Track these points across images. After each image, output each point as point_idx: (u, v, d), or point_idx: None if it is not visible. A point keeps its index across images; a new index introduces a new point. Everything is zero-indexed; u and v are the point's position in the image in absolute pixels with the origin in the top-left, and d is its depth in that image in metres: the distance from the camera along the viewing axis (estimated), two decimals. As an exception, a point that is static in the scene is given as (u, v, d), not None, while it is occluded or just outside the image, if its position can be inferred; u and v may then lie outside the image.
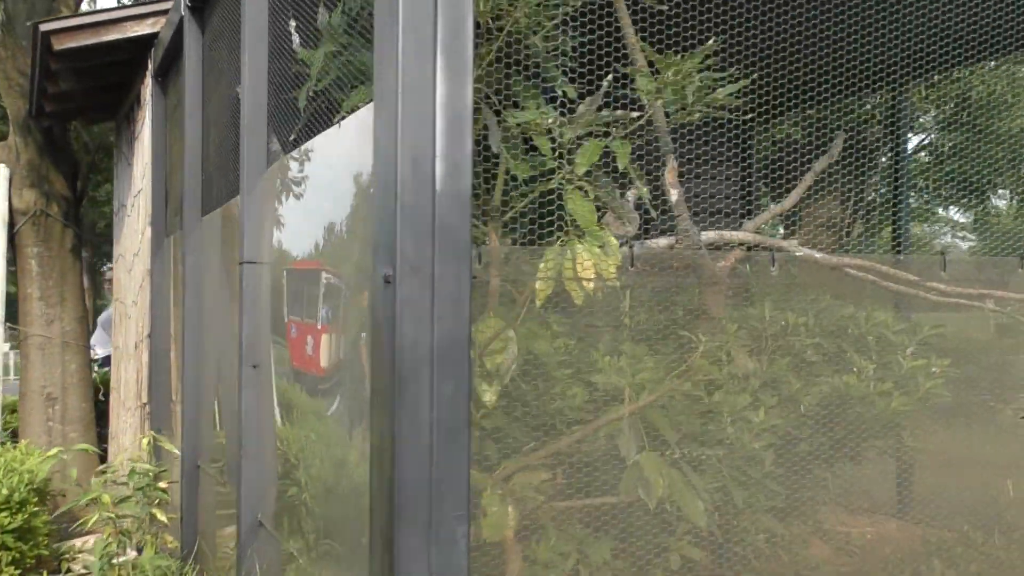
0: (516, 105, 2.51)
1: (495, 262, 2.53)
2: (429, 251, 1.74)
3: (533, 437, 2.63)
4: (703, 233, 3.57)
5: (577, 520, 2.74)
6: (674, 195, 3.55)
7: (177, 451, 4.15)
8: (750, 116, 6.00)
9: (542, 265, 2.26)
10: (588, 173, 2.62)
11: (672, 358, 2.88)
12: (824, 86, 4.68)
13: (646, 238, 3.64)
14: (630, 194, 3.54)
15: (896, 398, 3.26)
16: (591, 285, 2.25)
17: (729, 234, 3.63)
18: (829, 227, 7.46)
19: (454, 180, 1.76)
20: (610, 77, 2.35)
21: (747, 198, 6.91)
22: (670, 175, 3.54)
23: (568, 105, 2.54)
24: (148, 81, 5.37)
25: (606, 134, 2.73)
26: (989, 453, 3.74)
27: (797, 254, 3.70)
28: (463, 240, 1.77)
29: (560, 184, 2.47)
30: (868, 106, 6.34)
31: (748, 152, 6.87)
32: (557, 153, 2.50)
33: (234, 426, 3.04)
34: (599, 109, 2.38)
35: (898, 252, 5.71)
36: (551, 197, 2.53)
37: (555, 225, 2.51)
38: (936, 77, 6.30)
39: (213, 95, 3.97)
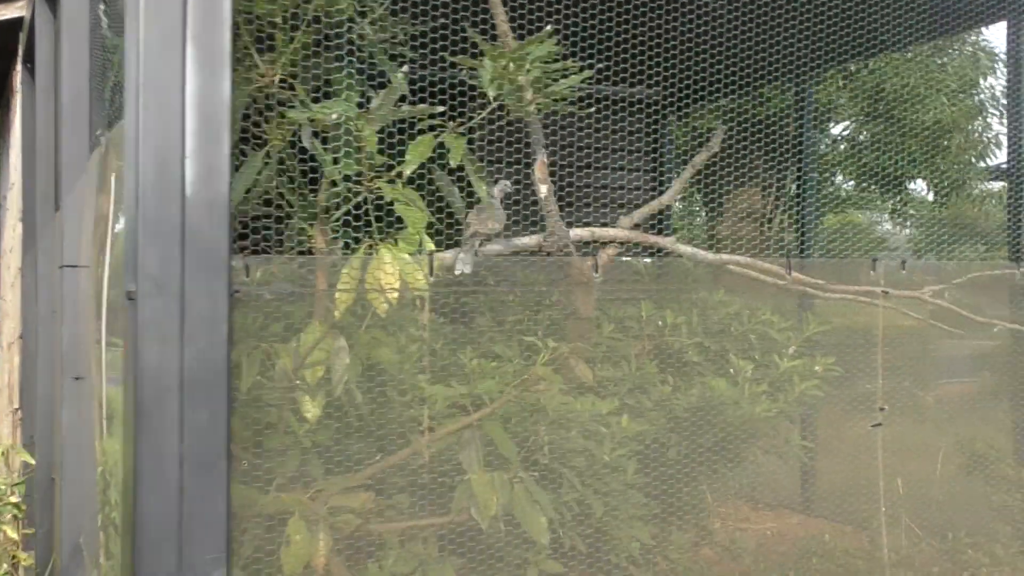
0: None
1: (321, 268, 2.36)
2: (177, 265, 1.56)
3: (367, 452, 2.46)
4: (574, 231, 3.42)
5: (421, 539, 2.59)
6: (543, 191, 3.39)
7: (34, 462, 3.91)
8: (660, 105, 5.91)
9: (344, 272, 2.08)
10: (424, 168, 2.46)
11: (523, 366, 2.72)
12: (731, 77, 4.58)
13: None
14: (496, 189, 3.38)
15: (763, 403, 3.14)
16: (395, 295, 2.08)
17: (602, 231, 3.49)
18: (750, 217, 7.40)
19: (208, 184, 1.58)
20: (406, 68, 2.17)
21: (659, 189, 6.80)
22: (539, 170, 3.39)
23: (406, 99, 2.37)
24: (19, 67, 5.08)
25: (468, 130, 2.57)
26: (861, 448, 3.67)
27: (677, 251, 3.58)
28: (220, 251, 1.59)
29: (358, 186, 2.30)
30: (778, 97, 6.27)
31: (661, 142, 6.75)
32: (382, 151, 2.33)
33: (54, 442, 2.83)
34: (397, 104, 2.20)
35: (803, 244, 5.64)
36: (381, 197, 2.36)
37: (385, 227, 2.34)
38: (848, 68, 6.23)
39: (63, 83, 3.72)
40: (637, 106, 6.16)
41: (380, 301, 2.06)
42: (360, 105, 2.21)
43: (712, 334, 3.70)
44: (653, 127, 6.66)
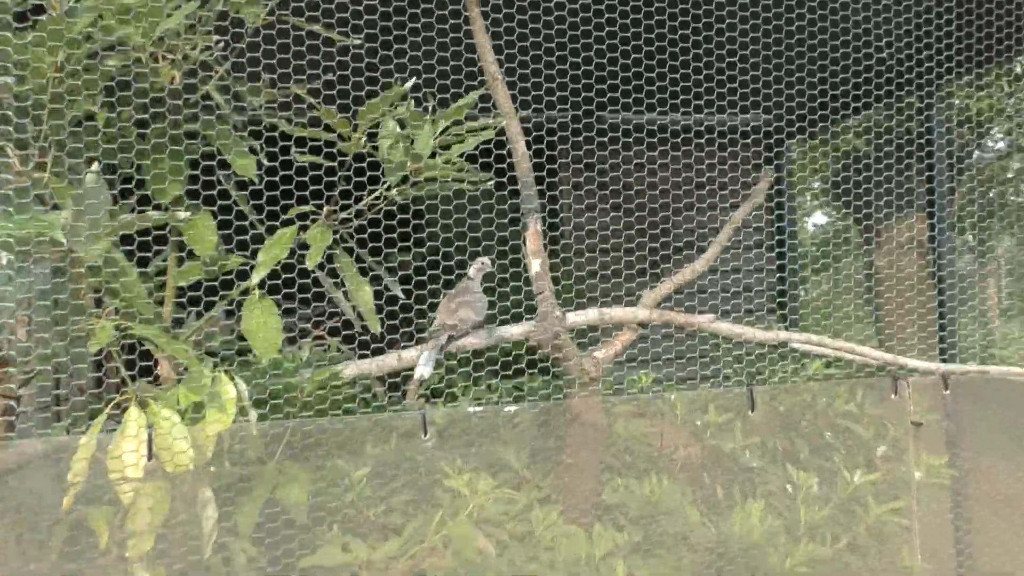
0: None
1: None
2: None
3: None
4: (575, 315, 2.76)
5: None
6: (535, 266, 2.77)
7: None
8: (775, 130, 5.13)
9: (83, 443, 1.55)
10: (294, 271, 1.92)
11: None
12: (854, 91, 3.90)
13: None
14: (474, 268, 2.78)
15: (804, 546, 2.33)
16: (136, 483, 1.53)
17: (613, 312, 2.80)
18: (912, 247, 6.39)
19: None
20: (96, 165, 1.63)
21: (777, 224, 5.93)
22: (531, 240, 2.76)
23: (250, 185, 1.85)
24: None
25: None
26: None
27: (716, 331, 2.84)
28: None
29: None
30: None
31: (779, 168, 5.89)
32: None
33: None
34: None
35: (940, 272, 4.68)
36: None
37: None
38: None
39: None
40: (748, 135, 5.36)
41: (122, 488, 1.51)
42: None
43: (770, 430, 2.93)
44: (768, 156, 5.82)
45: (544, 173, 3.01)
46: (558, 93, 3.05)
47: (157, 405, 1.52)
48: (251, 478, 2.05)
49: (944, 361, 4.01)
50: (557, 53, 2.87)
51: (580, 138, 3.78)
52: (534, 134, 3.08)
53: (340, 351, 3.03)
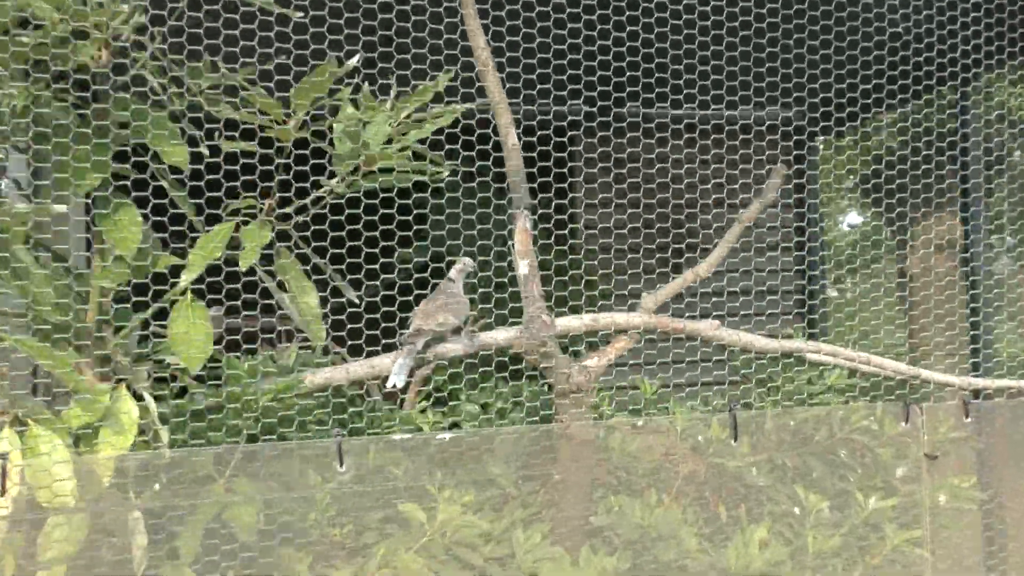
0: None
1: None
2: None
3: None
4: (564, 320, 2.55)
5: None
6: (523, 268, 2.56)
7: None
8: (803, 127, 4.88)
9: None
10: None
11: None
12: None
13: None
14: (455, 269, 2.59)
15: None
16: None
17: (608, 317, 2.59)
18: (945, 246, 6.12)
19: None
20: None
21: (803, 226, 5.65)
22: (520, 239, 2.55)
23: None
24: None
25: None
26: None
27: (719, 339, 2.62)
28: None
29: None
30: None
31: (804, 171, 5.60)
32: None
33: None
34: None
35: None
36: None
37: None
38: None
39: None
40: (776, 130, 5.08)
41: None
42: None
43: (779, 448, 2.69)
44: (795, 153, 5.55)
45: (560, 166, 2.81)
46: (572, 85, 2.85)
47: (37, 427, 1.33)
48: (196, 496, 1.88)
49: (976, 367, 3.74)
50: (571, 42, 2.67)
51: (598, 131, 3.57)
52: (555, 125, 2.88)
53: (328, 351, 2.85)
